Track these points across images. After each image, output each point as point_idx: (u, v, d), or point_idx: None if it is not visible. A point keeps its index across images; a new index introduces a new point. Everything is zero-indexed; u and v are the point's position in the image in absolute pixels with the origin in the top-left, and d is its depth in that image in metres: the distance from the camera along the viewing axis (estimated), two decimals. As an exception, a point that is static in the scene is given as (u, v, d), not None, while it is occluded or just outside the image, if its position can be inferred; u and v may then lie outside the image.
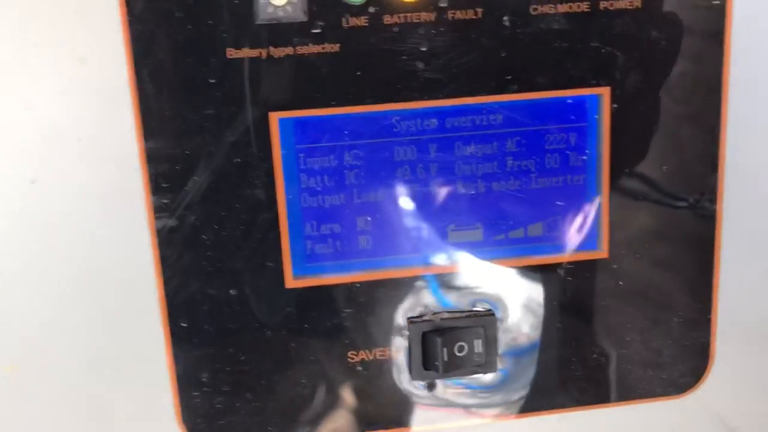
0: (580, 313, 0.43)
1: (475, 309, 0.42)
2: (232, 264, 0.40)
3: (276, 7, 0.37)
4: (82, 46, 0.37)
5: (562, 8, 0.38)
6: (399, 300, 0.42)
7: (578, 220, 0.42)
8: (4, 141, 0.37)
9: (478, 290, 0.42)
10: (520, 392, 0.44)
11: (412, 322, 0.42)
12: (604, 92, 0.40)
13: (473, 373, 0.43)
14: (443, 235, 0.41)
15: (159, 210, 0.39)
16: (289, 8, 0.37)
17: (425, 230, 0.41)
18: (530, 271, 0.42)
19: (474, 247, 0.42)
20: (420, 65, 0.38)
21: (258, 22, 0.37)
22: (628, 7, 0.39)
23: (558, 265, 0.42)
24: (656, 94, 0.40)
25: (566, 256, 0.42)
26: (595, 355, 0.44)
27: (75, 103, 0.37)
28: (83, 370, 0.41)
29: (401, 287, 0.41)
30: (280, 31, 0.37)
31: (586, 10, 0.39)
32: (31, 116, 0.37)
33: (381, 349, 0.42)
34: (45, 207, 0.38)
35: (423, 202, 0.41)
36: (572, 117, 0.40)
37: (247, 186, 0.39)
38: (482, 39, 0.39)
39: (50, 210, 0.38)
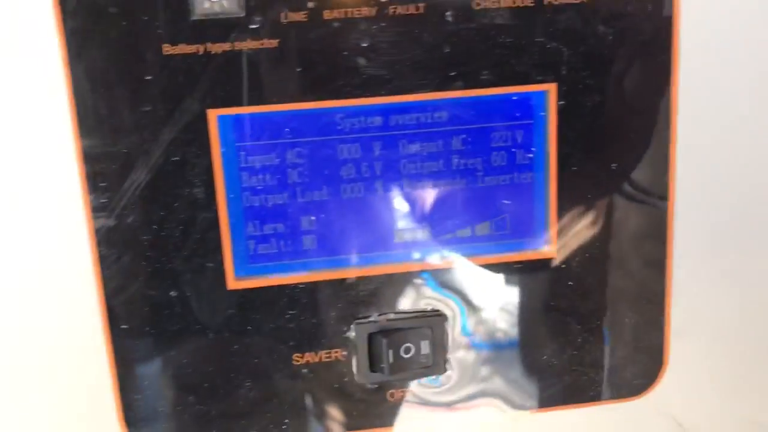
0: (528, 314, 0.42)
1: (421, 309, 0.41)
2: (173, 265, 0.39)
3: (212, 2, 0.36)
4: (15, 43, 0.36)
5: (506, 3, 0.38)
6: (344, 301, 0.41)
7: (525, 218, 0.41)
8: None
9: (425, 290, 0.41)
10: (471, 393, 0.43)
11: (357, 323, 0.41)
12: (550, 89, 0.39)
13: (421, 375, 0.42)
14: (389, 234, 0.41)
15: (97, 209, 0.38)
16: (225, 3, 0.36)
17: (371, 230, 0.41)
18: (478, 270, 0.41)
19: (421, 247, 0.41)
20: (362, 61, 0.38)
21: (194, 18, 0.36)
22: (573, 2, 0.38)
23: (506, 264, 0.41)
24: (604, 90, 0.40)
25: (514, 255, 0.41)
26: (545, 357, 0.43)
27: (9, 100, 0.37)
28: (22, 372, 0.40)
29: (346, 288, 0.41)
30: (217, 27, 0.37)
31: (530, 4, 0.38)
32: (-36, 114, 0.36)
33: (327, 351, 0.41)
34: (-21, 206, 0.38)
35: (368, 201, 0.40)
36: (518, 114, 0.40)
37: (186, 185, 0.38)
38: (424, 35, 0.38)
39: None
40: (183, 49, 0.37)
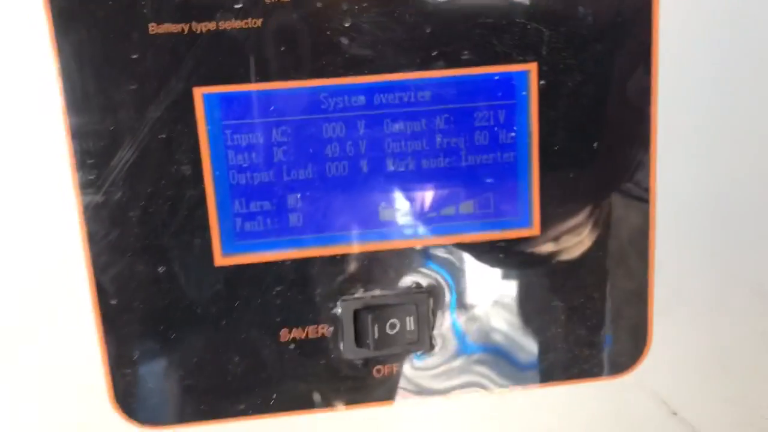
0: (513, 291, 0.43)
1: (407, 286, 0.42)
2: (161, 241, 0.40)
3: (197, -18, 0.37)
4: (2, 22, 0.37)
5: (487, -17, 0.38)
6: (330, 278, 0.42)
7: (509, 197, 0.42)
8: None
9: (410, 267, 0.42)
10: (455, 371, 0.44)
11: (343, 300, 0.42)
12: (531, 68, 0.40)
13: (407, 351, 0.43)
14: (374, 212, 0.41)
15: (85, 186, 0.39)
16: (210, -17, 0.37)
17: (356, 208, 0.41)
18: (462, 249, 0.42)
19: (405, 225, 0.42)
20: (345, 41, 0.39)
21: (180, -3, 0.37)
22: (554, -18, 0.39)
23: (489, 242, 0.42)
24: (584, 70, 0.40)
25: (497, 233, 0.42)
26: (529, 335, 0.44)
27: (-2, 79, 0.37)
28: (13, 350, 0.41)
29: (332, 265, 0.41)
30: (202, 6, 0.37)
31: (510, -15, 0.39)
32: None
33: (313, 327, 0.42)
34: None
35: (353, 179, 0.41)
36: (500, 94, 0.40)
37: (173, 162, 0.39)
38: (406, 14, 0.39)
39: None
40: (169, 28, 0.37)
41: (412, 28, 0.39)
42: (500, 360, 0.44)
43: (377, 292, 0.42)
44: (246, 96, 0.39)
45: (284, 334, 0.42)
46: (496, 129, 0.41)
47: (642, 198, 0.42)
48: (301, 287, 0.42)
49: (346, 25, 0.38)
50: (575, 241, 0.43)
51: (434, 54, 0.39)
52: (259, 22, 0.38)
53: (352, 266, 0.42)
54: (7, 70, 0.37)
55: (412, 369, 0.44)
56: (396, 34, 0.39)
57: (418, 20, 0.39)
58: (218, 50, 0.38)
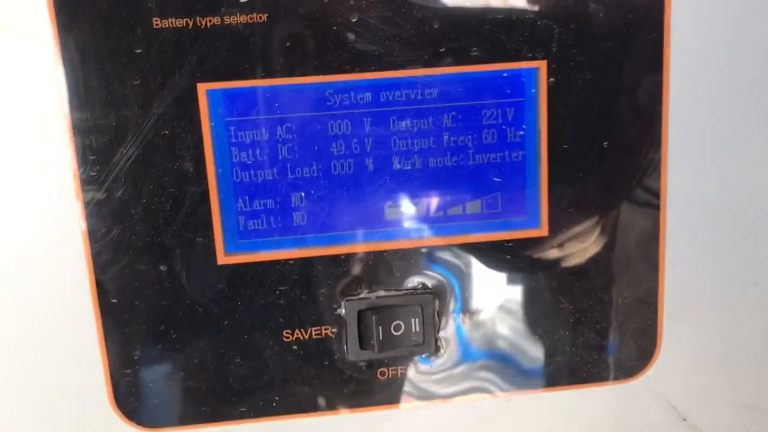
0: (520, 294, 0.42)
1: (412, 287, 0.41)
2: (162, 239, 0.39)
3: (202, -25, 0.36)
4: (6, 17, 0.36)
5: (496, -21, 0.38)
6: (334, 278, 0.41)
7: (517, 197, 0.41)
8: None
9: (416, 268, 0.41)
10: (463, 374, 0.43)
11: (347, 300, 0.41)
12: (541, 66, 0.39)
13: (412, 353, 0.42)
14: (379, 211, 0.41)
15: (86, 182, 0.38)
16: (215, -23, 0.36)
17: (361, 207, 0.40)
18: (469, 250, 0.41)
19: (411, 225, 0.41)
20: (351, 36, 0.38)
21: (184, -9, 0.36)
22: (564, -21, 0.38)
23: (497, 243, 0.41)
24: (595, 68, 0.40)
25: (505, 234, 0.41)
26: (537, 338, 0.43)
27: None
28: (13, 350, 0.40)
29: (337, 265, 0.41)
30: (207, 0, 0.37)
31: (520, -19, 0.38)
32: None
33: (317, 328, 0.41)
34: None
35: (358, 178, 0.40)
36: (508, 91, 0.40)
37: (176, 159, 0.38)
38: (414, 10, 0.38)
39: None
40: (173, 22, 0.37)
41: (420, 23, 0.38)
42: (506, 364, 0.44)
43: (382, 292, 0.41)
44: (250, 92, 0.38)
45: (287, 335, 0.41)
46: (504, 127, 0.40)
47: (652, 200, 0.42)
48: (304, 287, 0.41)
49: (353, 20, 0.38)
50: (584, 243, 0.42)
51: (442, 50, 0.39)
52: (264, 17, 0.37)
53: (357, 266, 0.41)
54: (10, 64, 0.37)
55: (417, 373, 0.43)
56: (403, 30, 0.38)
57: (426, 16, 0.38)
58: (223, 45, 0.37)
